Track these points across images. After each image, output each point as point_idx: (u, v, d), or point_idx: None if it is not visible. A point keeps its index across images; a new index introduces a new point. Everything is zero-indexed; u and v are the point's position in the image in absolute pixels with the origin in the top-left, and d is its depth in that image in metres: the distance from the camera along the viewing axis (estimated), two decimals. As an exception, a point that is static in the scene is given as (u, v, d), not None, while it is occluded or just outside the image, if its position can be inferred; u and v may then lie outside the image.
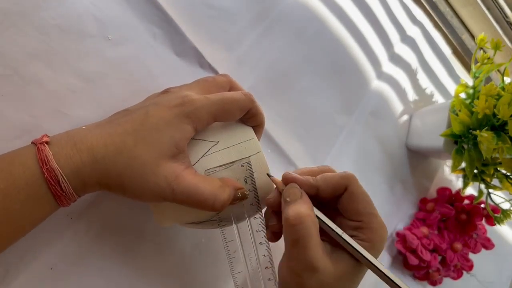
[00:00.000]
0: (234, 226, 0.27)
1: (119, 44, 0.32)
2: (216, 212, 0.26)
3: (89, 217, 0.29)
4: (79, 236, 0.29)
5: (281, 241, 0.26)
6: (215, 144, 0.26)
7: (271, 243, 0.28)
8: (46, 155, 0.21)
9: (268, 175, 0.26)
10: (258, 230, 0.28)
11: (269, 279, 0.27)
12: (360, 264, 0.24)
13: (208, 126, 0.25)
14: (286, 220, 0.23)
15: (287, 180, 0.26)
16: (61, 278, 0.28)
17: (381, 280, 0.24)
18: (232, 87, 0.29)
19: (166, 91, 0.27)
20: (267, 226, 0.27)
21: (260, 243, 0.28)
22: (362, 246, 0.24)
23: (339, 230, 0.24)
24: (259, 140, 0.28)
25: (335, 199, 0.26)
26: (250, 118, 0.27)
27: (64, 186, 0.21)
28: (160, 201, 0.24)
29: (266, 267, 0.28)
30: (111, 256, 0.30)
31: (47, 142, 0.22)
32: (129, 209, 0.31)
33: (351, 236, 0.24)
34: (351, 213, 0.25)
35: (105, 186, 0.23)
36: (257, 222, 0.28)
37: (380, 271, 0.24)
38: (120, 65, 0.32)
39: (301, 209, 0.23)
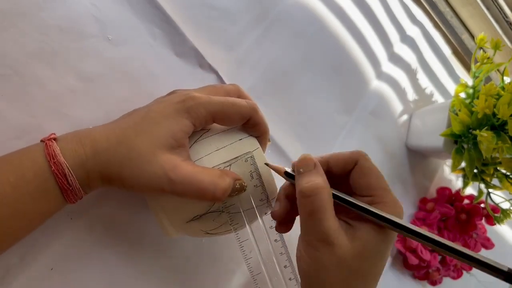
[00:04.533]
0: (247, 225, 0.27)
1: (119, 44, 0.32)
2: (219, 202, 0.25)
3: (90, 218, 0.29)
4: (79, 237, 0.29)
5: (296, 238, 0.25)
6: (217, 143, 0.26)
7: (287, 242, 0.27)
8: (53, 150, 0.22)
9: (267, 164, 0.26)
10: (272, 226, 0.27)
11: (290, 279, 0.26)
12: (380, 242, 0.23)
13: (206, 125, 0.25)
14: (300, 191, 0.23)
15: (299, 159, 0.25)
16: (61, 278, 0.28)
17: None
18: (240, 96, 0.29)
19: (172, 92, 0.27)
20: (275, 216, 0.26)
21: (276, 240, 0.27)
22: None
23: (355, 200, 0.23)
24: (264, 152, 0.28)
25: (346, 175, 0.25)
26: (252, 127, 0.27)
27: (71, 179, 0.22)
28: (158, 192, 0.24)
29: (285, 266, 0.27)
30: (111, 257, 0.30)
31: (54, 139, 0.23)
32: (130, 210, 0.31)
33: None
34: (362, 188, 0.24)
35: (107, 179, 0.23)
36: (269, 218, 0.27)
37: (409, 229, 0.22)
38: (120, 65, 0.32)
39: (315, 179, 0.23)
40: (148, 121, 0.24)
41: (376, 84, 0.50)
